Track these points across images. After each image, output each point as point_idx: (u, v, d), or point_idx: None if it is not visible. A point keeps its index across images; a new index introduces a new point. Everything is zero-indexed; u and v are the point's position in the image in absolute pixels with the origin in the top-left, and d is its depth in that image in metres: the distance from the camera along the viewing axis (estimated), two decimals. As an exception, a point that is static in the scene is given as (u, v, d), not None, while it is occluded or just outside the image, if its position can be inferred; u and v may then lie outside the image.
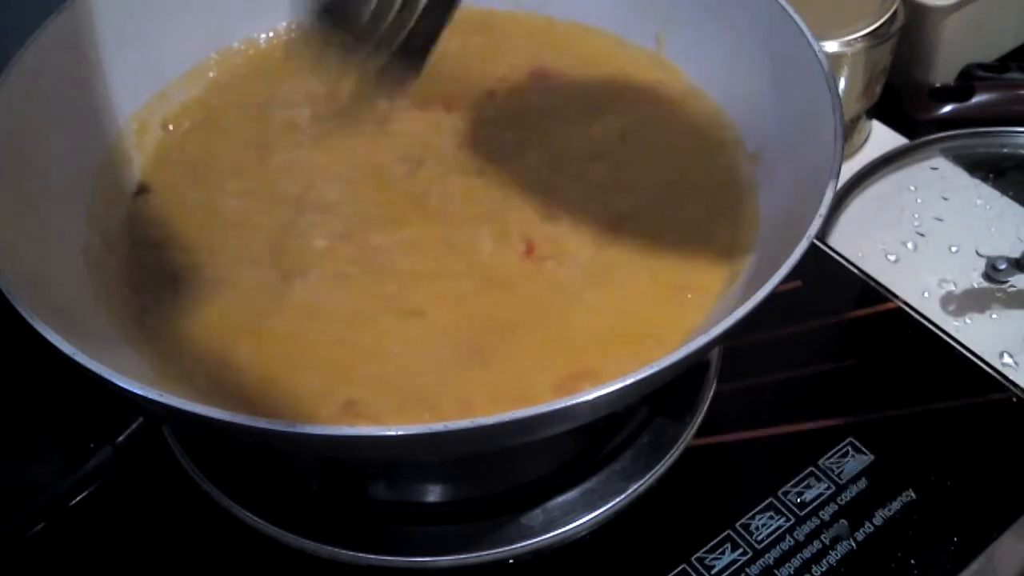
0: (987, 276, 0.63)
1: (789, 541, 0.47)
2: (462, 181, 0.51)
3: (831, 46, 0.65)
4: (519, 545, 0.46)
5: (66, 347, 0.35)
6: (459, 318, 0.45)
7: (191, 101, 0.55)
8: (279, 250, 0.47)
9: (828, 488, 0.48)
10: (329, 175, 0.51)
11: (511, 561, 0.46)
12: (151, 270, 0.47)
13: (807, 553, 0.46)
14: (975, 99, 0.75)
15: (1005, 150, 0.72)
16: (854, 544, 0.47)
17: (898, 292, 0.57)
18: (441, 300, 0.45)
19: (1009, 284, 0.62)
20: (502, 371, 0.43)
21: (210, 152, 0.53)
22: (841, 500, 0.48)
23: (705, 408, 0.51)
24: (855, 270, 0.58)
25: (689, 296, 0.45)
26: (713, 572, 0.46)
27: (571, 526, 0.47)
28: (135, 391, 0.34)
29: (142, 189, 0.51)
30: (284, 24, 0.59)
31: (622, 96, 0.55)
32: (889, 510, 0.48)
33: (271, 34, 0.58)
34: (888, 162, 0.70)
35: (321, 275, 0.46)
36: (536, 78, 0.57)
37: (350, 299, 0.45)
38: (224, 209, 0.50)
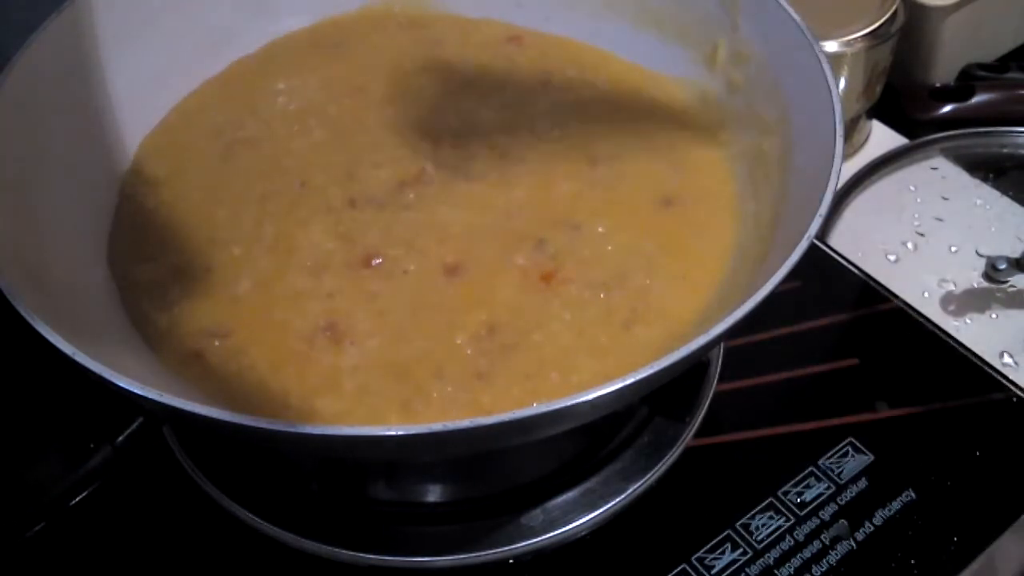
0: (987, 276, 0.63)
1: (789, 541, 0.47)
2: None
3: (831, 46, 0.65)
4: (519, 545, 0.46)
5: (66, 347, 0.35)
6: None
7: (192, 99, 0.55)
8: (283, 248, 0.47)
9: (828, 488, 0.48)
10: (334, 164, 0.51)
11: (511, 561, 0.46)
12: (151, 269, 0.47)
13: (807, 553, 0.46)
14: (975, 99, 0.75)
15: (1005, 150, 0.72)
16: (854, 544, 0.47)
17: (898, 292, 0.57)
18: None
19: (1009, 284, 0.62)
20: None
21: (212, 151, 0.53)
22: (841, 500, 0.48)
23: (705, 408, 0.51)
24: (855, 270, 0.58)
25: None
26: (713, 572, 0.46)
27: (571, 526, 0.47)
28: (135, 391, 0.34)
29: (142, 188, 0.51)
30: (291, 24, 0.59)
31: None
32: (889, 510, 0.48)
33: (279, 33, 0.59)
34: (888, 162, 0.71)
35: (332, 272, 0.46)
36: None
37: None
38: (227, 208, 0.49)
